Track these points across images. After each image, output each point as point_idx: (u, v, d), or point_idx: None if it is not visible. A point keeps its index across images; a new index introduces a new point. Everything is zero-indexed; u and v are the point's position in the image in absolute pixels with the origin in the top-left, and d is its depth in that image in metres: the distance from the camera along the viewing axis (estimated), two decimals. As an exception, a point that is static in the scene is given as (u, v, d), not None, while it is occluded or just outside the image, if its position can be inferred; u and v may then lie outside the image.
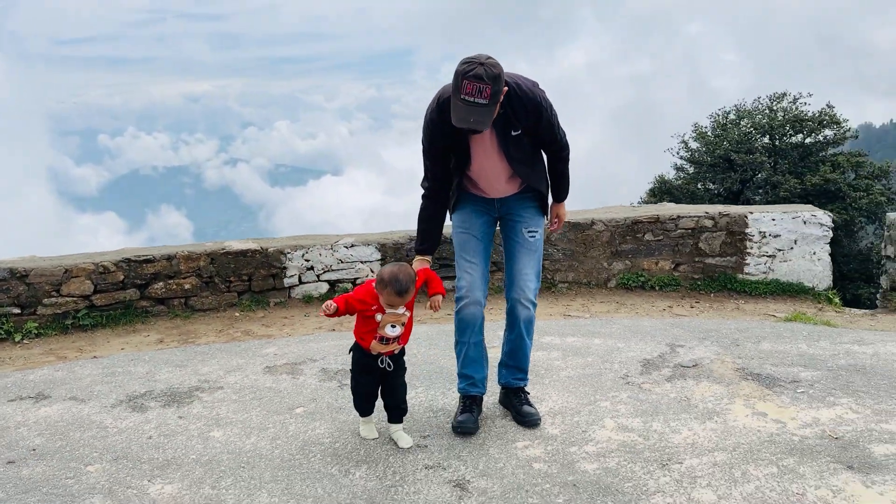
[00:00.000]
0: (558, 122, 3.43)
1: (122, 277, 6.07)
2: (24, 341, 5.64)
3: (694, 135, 30.43)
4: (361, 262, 6.81)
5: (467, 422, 3.51)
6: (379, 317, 3.18)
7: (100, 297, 6.00)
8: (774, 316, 6.27)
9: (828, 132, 27.15)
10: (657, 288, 6.98)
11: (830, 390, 4.12)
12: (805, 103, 27.98)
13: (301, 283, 6.72)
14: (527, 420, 3.57)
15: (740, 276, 7.09)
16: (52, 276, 5.82)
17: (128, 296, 6.11)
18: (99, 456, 3.43)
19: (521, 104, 3.23)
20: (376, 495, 3.00)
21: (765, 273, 7.11)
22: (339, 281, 6.81)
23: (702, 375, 4.38)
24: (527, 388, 3.75)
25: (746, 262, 7.11)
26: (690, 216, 7.05)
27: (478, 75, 2.90)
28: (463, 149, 3.33)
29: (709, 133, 29.82)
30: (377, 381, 3.39)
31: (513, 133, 3.29)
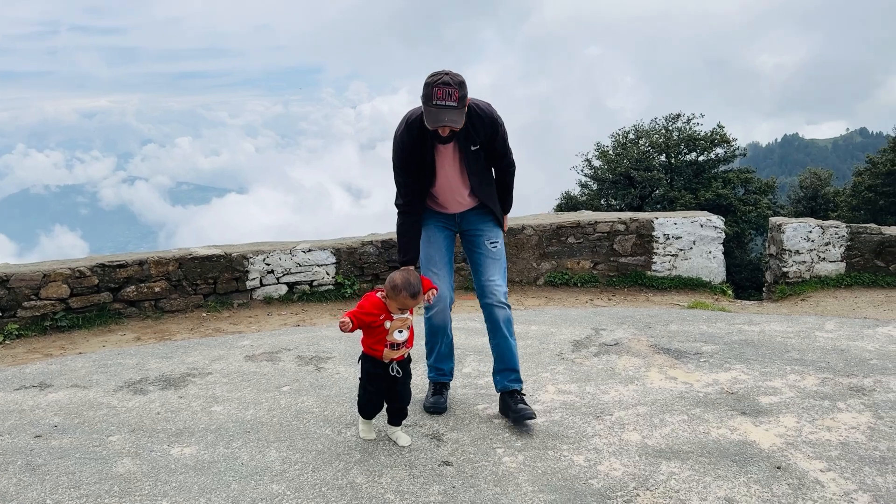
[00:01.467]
0: (507, 140, 3.74)
1: (96, 281, 6.32)
2: (7, 342, 5.82)
3: (596, 153, 31.78)
4: (318, 266, 7.25)
5: (438, 402, 3.86)
6: (388, 324, 3.26)
7: (76, 299, 6.23)
8: (679, 305, 7.08)
9: (719, 150, 28.95)
10: (579, 284, 7.71)
11: (726, 359, 4.87)
12: (698, 123, 29.76)
13: (262, 285, 7.10)
14: (520, 414, 3.63)
15: (649, 272, 7.90)
16: (32, 280, 6.03)
17: (102, 298, 6.36)
18: (116, 429, 3.79)
19: (481, 120, 3.52)
20: (368, 446, 3.50)
21: (669, 270, 7.94)
22: (297, 283, 7.22)
23: (622, 351, 5.06)
24: (522, 390, 3.80)
25: (654, 260, 7.93)
26: (606, 222, 7.82)
27: (445, 82, 3.23)
28: (429, 166, 3.57)
29: (610, 152, 31.22)
30: (386, 389, 3.44)
31: (472, 148, 3.55)
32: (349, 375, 4.60)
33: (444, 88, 3.23)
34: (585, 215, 8.29)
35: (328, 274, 7.28)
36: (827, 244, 8.47)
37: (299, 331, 5.95)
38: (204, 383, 4.51)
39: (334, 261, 7.30)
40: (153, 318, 6.52)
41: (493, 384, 3.89)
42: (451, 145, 3.53)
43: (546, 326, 5.82)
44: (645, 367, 4.71)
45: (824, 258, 8.49)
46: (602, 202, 29.71)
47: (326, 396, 4.21)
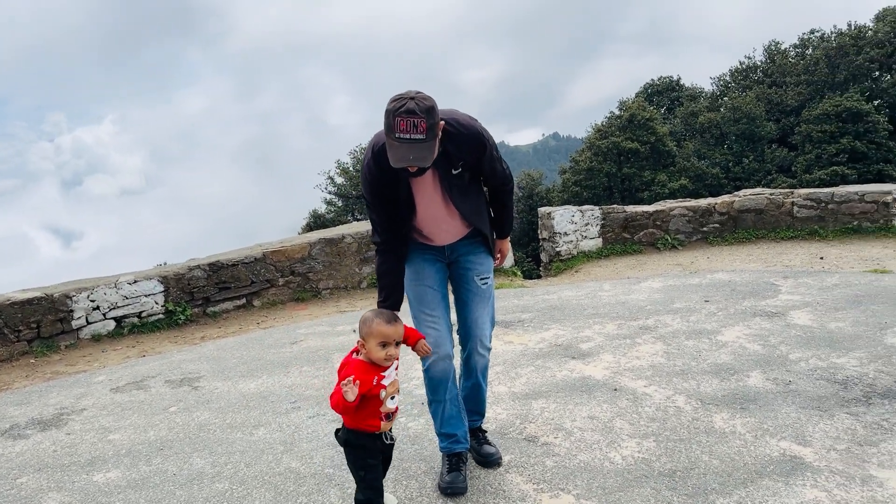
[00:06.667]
0: (499, 153, 3.09)
1: None
2: None
3: (338, 171, 32.67)
4: (146, 296, 7.08)
5: (457, 481, 3.02)
6: (384, 394, 2.60)
7: None
8: (486, 288, 8.00)
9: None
10: (398, 282, 8.35)
11: (543, 322, 5.79)
12: None
13: (88, 323, 6.78)
14: (489, 460, 3.23)
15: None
16: None
17: (-89, 361, 5.72)
18: (19, 472, 3.66)
19: (463, 140, 2.84)
20: (286, 439, 3.80)
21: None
22: (125, 316, 6.99)
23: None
24: (483, 427, 3.43)
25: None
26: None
27: (410, 110, 2.52)
28: (406, 197, 2.91)
29: (351, 168, 32.28)
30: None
31: (454, 172, 2.89)
32: (229, 388, 4.78)
33: (407, 119, 2.53)
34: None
35: (157, 303, 7.13)
36: (587, 224, 9.99)
37: (151, 360, 5.88)
38: (84, 419, 4.42)
39: (162, 289, 7.17)
40: (-26, 372, 5.98)
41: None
42: (429, 172, 2.86)
43: (387, 320, 6.37)
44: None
45: (586, 236, 10.01)
46: (349, 217, 30.53)
47: (219, 408, 4.38)
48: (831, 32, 39.58)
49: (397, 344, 2.59)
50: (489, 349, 3.21)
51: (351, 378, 2.45)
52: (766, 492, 2.75)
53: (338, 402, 2.50)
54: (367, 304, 7.66)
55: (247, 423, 4.09)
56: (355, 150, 33.10)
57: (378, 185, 2.87)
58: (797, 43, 41.43)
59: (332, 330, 6.28)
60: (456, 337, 3.18)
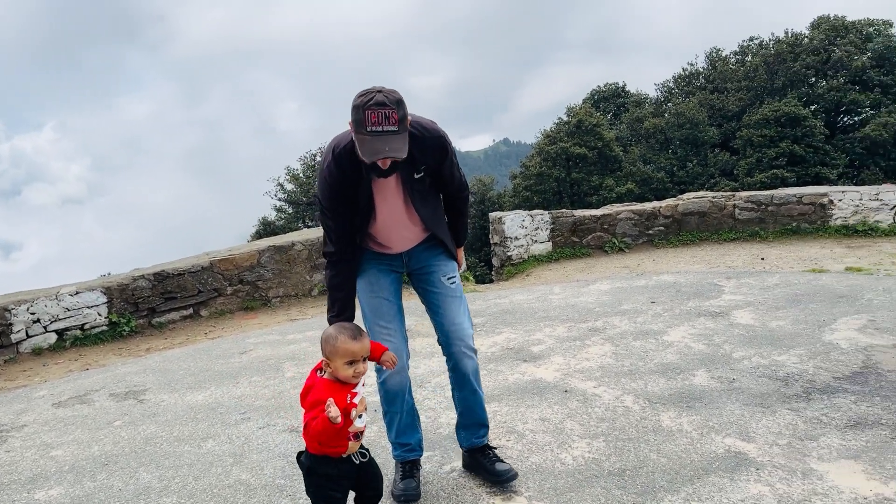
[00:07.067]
0: (457, 160, 3.00)
1: None
2: None
3: (288, 177, 32.31)
4: (89, 308, 6.87)
5: (409, 488, 2.95)
6: (354, 413, 2.40)
7: None
8: (438, 294, 8.02)
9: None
10: (349, 289, 8.30)
11: (496, 326, 5.83)
12: None
13: (28, 336, 6.55)
14: (503, 478, 2.99)
15: (405, 271, 8.76)
16: None
17: None
18: (-47, 494, 3.53)
19: (426, 143, 2.77)
20: (236, 451, 3.74)
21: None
22: (67, 329, 6.78)
23: (414, 335, 5.76)
24: (491, 443, 3.24)
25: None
26: (364, 230, 8.52)
27: (380, 102, 2.46)
28: (366, 201, 2.80)
29: (301, 175, 31.98)
30: (352, 483, 2.58)
31: (416, 176, 2.81)
32: (176, 400, 4.68)
33: (378, 111, 2.46)
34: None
35: (100, 315, 6.93)
36: (537, 229, 10.10)
37: (94, 373, 5.71)
38: (24, 435, 4.26)
39: (105, 300, 6.98)
40: None
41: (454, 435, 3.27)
42: (392, 176, 2.76)
43: (339, 327, 6.32)
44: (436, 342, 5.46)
45: (536, 240, 10.12)
46: (300, 224, 30.24)
47: (166, 421, 4.28)
48: (769, 40, 41.00)
49: (365, 360, 2.43)
50: (475, 350, 3.03)
51: (330, 401, 2.26)
52: (711, 488, 2.82)
53: (323, 429, 2.27)
54: (317, 311, 7.59)
55: (195, 435, 4.00)
56: (305, 157, 32.82)
57: (338, 189, 2.75)
58: (737, 50, 42.82)
59: (282, 339, 6.21)
60: (438, 349, 3.09)
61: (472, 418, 3.10)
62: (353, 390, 2.41)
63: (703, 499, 2.74)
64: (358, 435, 2.48)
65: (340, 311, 2.84)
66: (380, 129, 2.46)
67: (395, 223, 2.90)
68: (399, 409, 2.99)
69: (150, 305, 7.27)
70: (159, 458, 3.71)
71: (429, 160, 2.80)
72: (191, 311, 7.50)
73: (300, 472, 2.58)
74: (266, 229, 29.96)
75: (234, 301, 7.71)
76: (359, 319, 2.90)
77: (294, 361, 5.34)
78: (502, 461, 3.07)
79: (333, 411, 2.22)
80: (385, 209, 2.84)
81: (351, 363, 2.37)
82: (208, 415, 4.32)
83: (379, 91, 2.50)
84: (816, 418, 3.43)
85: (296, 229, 28.10)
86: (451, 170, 2.92)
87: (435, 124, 2.85)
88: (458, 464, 3.26)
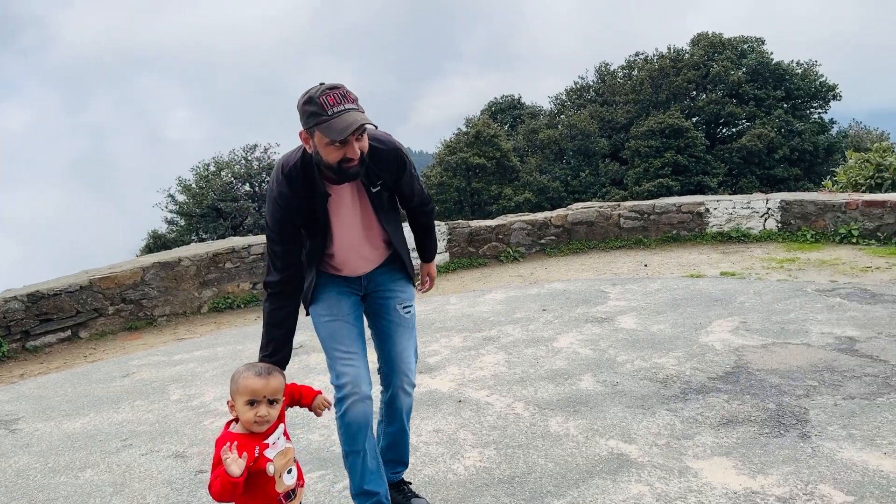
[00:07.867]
0: (416, 172, 2.89)
1: None
2: None
3: (179, 188, 31.37)
4: (-48, 333, 6.37)
5: None
6: (271, 468, 2.09)
7: None
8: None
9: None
10: (243, 305, 8.07)
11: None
12: (275, 153, 31.72)
13: None
14: None
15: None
16: None
17: None
18: None
19: (381, 156, 2.62)
20: (116, 480, 3.56)
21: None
22: (-74, 357, 6.25)
23: (310, 350, 5.69)
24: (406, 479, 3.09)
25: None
26: (259, 244, 8.31)
27: (332, 86, 2.40)
28: (322, 222, 2.63)
29: (194, 185, 31.13)
30: None
31: (373, 190, 2.66)
32: (51, 429, 4.42)
33: (334, 92, 2.38)
34: (237, 241, 8.64)
35: None
36: (434, 239, 10.18)
37: (-37, 403, 5.29)
38: None
39: (-27, 324, 6.49)
40: None
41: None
42: (349, 189, 2.63)
43: (232, 346, 6.14)
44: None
45: (433, 251, 10.20)
46: (193, 237, 29.44)
47: (40, 452, 4.03)
48: (653, 55, 43.23)
49: (271, 402, 2.10)
50: (414, 386, 2.87)
51: (228, 445, 1.96)
52: (595, 490, 2.94)
53: (221, 485, 1.94)
54: (207, 330, 7.36)
55: (72, 465, 3.79)
56: (198, 167, 31.75)
57: (290, 210, 2.55)
58: (624, 64, 44.89)
59: (168, 359, 5.97)
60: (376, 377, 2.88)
61: (394, 455, 2.97)
62: (266, 440, 2.11)
63: (588, 501, 2.85)
64: (290, 495, 2.18)
65: (275, 352, 2.56)
66: (341, 107, 2.35)
67: (353, 243, 2.72)
68: (362, 446, 2.67)
69: (24, 328, 6.82)
70: (32, 490, 3.49)
71: (384, 174, 2.65)
72: (69, 332, 7.08)
73: (185, 500, 2.47)
74: (156, 243, 28.79)
75: (117, 321, 7.35)
76: (316, 347, 2.84)
77: (180, 383, 5.15)
78: (417, 496, 2.98)
79: (235, 466, 1.93)
80: (342, 229, 2.67)
81: (251, 403, 2.07)
82: (87, 443, 4.09)
83: (322, 83, 2.41)
84: (692, 418, 3.63)
85: (188, 242, 27.10)
86: (410, 183, 2.79)
87: (390, 136, 2.71)
88: (351, 481, 3.24)
